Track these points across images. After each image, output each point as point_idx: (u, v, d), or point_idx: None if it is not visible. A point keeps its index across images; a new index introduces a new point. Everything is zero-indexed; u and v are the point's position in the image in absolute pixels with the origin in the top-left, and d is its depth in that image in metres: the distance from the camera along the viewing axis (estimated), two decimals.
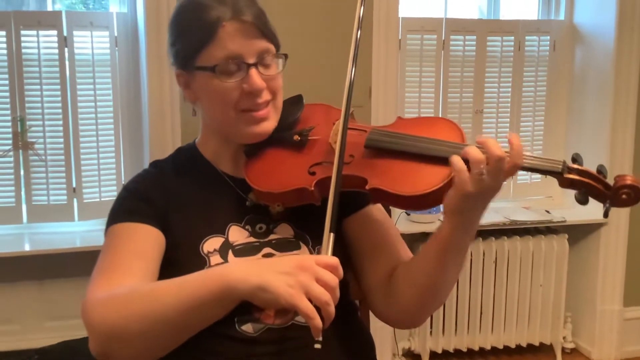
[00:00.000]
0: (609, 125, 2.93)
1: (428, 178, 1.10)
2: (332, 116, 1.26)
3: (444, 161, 1.10)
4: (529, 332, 3.04)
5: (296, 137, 1.22)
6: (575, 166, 1.08)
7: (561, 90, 3.13)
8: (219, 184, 1.24)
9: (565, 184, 1.08)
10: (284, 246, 1.19)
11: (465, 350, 3.00)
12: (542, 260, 2.99)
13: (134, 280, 1.08)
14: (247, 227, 1.21)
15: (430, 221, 2.83)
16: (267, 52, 1.19)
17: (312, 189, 1.14)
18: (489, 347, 3.02)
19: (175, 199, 1.21)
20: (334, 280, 0.96)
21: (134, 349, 1.01)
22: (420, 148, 1.13)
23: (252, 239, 1.19)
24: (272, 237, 1.20)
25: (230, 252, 1.17)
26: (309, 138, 1.22)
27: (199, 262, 1.14)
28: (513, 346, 3.05)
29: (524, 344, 3.06)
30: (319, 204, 1.16)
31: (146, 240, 1.15)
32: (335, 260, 0.98)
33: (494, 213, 2.90)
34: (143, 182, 1.25)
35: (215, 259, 1.15)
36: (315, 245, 1.20)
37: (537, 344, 3.07)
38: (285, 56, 1.22)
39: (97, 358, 1.02)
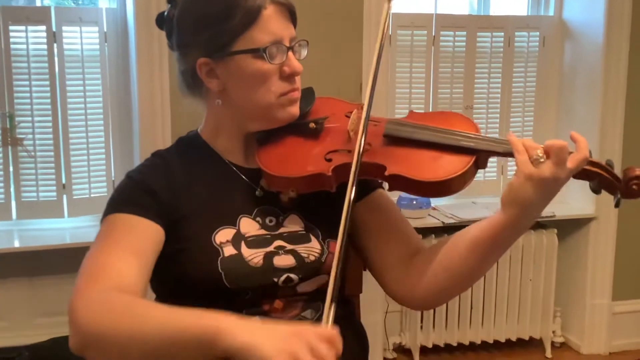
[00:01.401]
0: (598, 120, 2.95)
1: (447, 166, 1.13)
2: (343, 108, 1.28)
3: (462, 150, 1.14)
4: (518, 327, 3.06)
5: (312, 125, 1.23)
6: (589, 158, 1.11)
7: (550, 86, 3.15)
8: (227, 174, 1.24)
9: (579, 174, 1.11)
10: (294, 239, 1.20)
11: (455, 344, 3.02)
12: (531, 255, 3.01)
13: (128, 279, 1.05)
14: (257, 219, 1.20)
15: (420, 216, 2.84)
16: (295, 37, 1.21)
17: (330, 174, 1.15)
18: (479, 342, 3.04)
19: (183, 190, 1.19)
20: (330, 355, 0.88)
21: (107, 358, 0.99)
22: (440, 137, 1.16)
23: (263, 231, 1.19)
24: (282, 230, 1.20)
25: (242, 243, 1.16)
26: (324, 126, 1.24)
27: (212, 253, 1.14)
28: (503, 340, 3.06)
29: (513, 339, 3.07)
30: (334, 191, 1.17)
31: (146, 238, 1.12)
32: (334, 334, 0.91)
33: (484, 208, 2.92)
34: (148, 173, 1.21)
35: (229, 249, 1.15)
36: (325, 238, 1.21)
37: (527, 338, 3.09)
38: (307, 43, 1.23)
39: (75, 353, 1.00)
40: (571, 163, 1.06)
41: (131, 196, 1.17)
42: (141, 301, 1.02)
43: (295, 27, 1.21)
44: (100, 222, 1.17)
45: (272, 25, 1.15)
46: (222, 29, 1.15)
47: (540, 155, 1.05)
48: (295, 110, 1.22)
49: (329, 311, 0.97)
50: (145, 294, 1.09)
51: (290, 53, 1.18)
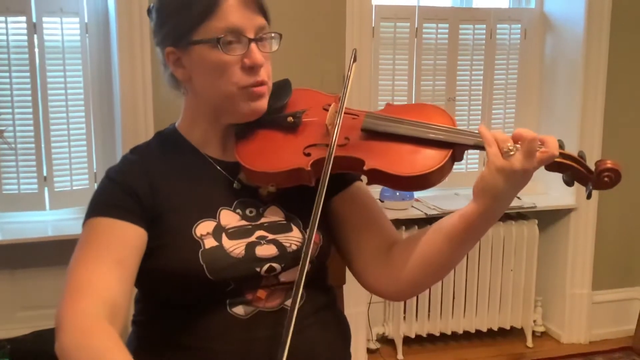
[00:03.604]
0: (579, 112, 2.98)
1: (425, 160, 1.14)
2: (321, 100, 1.28)
3: (439, 144, 1.15)
4: (500, 316, 3.10)
5: (290, 119, 1.23)
6: (561, 151, 1.13)
7: (532, 78, 3.17)
8: (205, 168, 1.24)
9: (552, 167, 1.13)
10: (276, 229, 1.20)
11: (438, 334, 3.05)
12: (512, 246, 3.04)
13: (112, 291, 1.07)
14: (237, 211, 1.21)
15: (403, 208, 2.86)
16: (264, 29, 1.19)
17: (309, 169, 1.16)
18: (461, 332, 3.07)
19: (162, 186, 1.19)
20: None
21: None
22: (417, 132, 1.17)
23: (244, 222, 1.19)
24: (263, 220, 1.21)
25: (223, 235, 1.17)
26: (302, 120, 1.24)
27: (194, 246, 1.14)
28: (485, 330, 3.10)
29: (495, 328, 3.11)
30: (312, 185, 1.17)
31: (128, 244, 1.13)
32: None
33: (466, 199, 2.91)
34: (127, 172, 1.21)
35: (210, 241, 1.15)
36: (306, 227, 1.21)
37: (508, 327, 3.13)
38: (280, 36, 1.22)
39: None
40: (540, 157, 1.09)
41: (112, 198, 1.17)
42: (118, 351, 1.01)
43: (267, 18, 1.20)
44: (83, 224, 1.17)
45: (231, 15, 1.15)
46: (183, 18, 1.16)
47: (511, 148, 1.08)
48: (260, 105, 1.21)
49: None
50: (129, 301, 1.12)
51: (253, 45, 1.17)
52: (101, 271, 1.08)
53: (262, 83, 1.20)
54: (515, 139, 1.09)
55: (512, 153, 1.08)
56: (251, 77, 1.18)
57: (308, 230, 1.07)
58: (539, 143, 1.09)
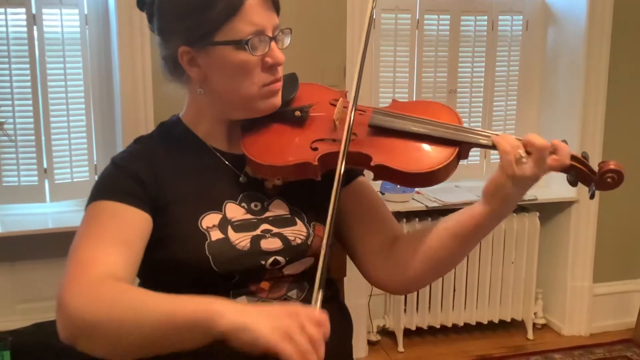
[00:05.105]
0: (581, 105, 2.97)
1: (432, 157, 1.16)
2: (328, 95, 1.29)
3: (446, 142, 1.17)
4: (501, 309, 3.10)
5: (297, 113, 1.23)
6: None
7: (534, 70, 3.16)
8: (211, 160, 1.23)
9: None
10: (280, 222, 1.20)
11: (438, 327, 3.05)
12: (514, 238, 3.04)
13: (116, 270, 1.05)
14: (242, 204, 1.21)
15: (404, 200, 2.85)
16: (279, 26, 1.19)
17: (316, 163, 1.16)
18: (461, 324, 3.07)
19: (167, 176, 1.19)
20: (318, 335, 0.92)
21: (102, 347, 0.99)
22: (425, 129, 1.18)
23: (249, 216, 1.20)
24: (268, 214, 1.21)
25: (229, 227, 1.17)
26: (309, 114, 1.24)
27: (199, 237, 1.14)
28: (485, 322, 3.10)
29: (496, 320, 3.11)
30: (319, 179, 1.18)
31: (133, 227, 1.12)
32: (323, 318, 0.95)
33: (467, 192, 2.93)
34: (132, 159, 1.20)
35: (215, 234, 1.15)
36: (310, 221, 1.22)
37: (509, 320, 3.13)
38: (290, 31, 1.22)
39: (66, 343, 1.00)
40: (551, 165, 1.12)
41: (117, 183, 1.16)
42: (132, 288, 1.02)
43: (278, 14, 1.20)
44: (85, 207, 1.16)
45: (254, 16, 1.14)
46: (203, 18, 1.13)
47: (523, 155, 1.10)
48: (276, 100, 1.22)
49: (317, 296, 0.99)
50: (133, 284, 1.09)
51: (273, 43, 1.17)
52: (106, 250, 1.06)
53: (279, 79, 1.21)
54: (526, 145, 1.11)
55: (524, 161, 1.10)
56: (271, 75, 1.19)
57: (327, 227, 1.05)
58: (551, 149, 1.11)
